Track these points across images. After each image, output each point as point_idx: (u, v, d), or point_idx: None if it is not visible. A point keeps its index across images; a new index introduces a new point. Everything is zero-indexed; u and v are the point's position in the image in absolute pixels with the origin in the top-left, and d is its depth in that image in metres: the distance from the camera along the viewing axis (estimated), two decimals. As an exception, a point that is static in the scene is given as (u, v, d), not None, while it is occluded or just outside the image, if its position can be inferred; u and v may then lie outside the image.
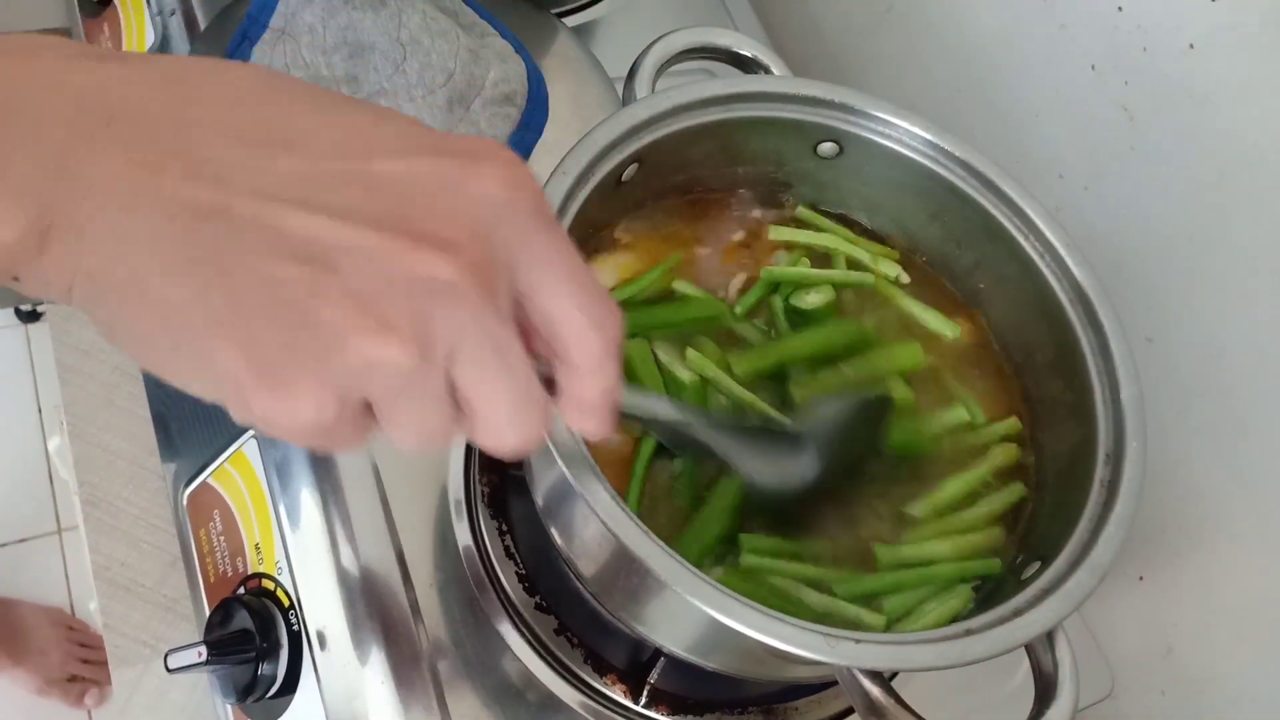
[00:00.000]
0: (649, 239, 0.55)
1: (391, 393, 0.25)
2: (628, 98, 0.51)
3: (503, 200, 0.26)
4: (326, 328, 0.24)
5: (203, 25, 0.67)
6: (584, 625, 0.55)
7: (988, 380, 0.55)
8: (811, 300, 0.53)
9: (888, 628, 0.47)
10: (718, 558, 0.47)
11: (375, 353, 0.24)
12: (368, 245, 0.24)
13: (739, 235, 0.56)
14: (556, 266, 0.28)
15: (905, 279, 0.56)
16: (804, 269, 0.54)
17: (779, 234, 0.56)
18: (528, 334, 0.28)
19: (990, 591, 0.48)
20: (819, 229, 0.56)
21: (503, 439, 0.28)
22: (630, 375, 0.50)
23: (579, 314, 0.28)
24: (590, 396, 0.29)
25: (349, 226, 0.24)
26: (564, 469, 0.39)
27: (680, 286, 0.53)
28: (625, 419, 0.34)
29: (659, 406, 0.41)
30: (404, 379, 0.25)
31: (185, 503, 0.62)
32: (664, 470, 0.49)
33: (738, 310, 0.53)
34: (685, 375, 0.50)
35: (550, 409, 0.29)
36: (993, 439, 0.52)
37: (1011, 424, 0.53)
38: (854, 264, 0.55)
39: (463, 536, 0.56)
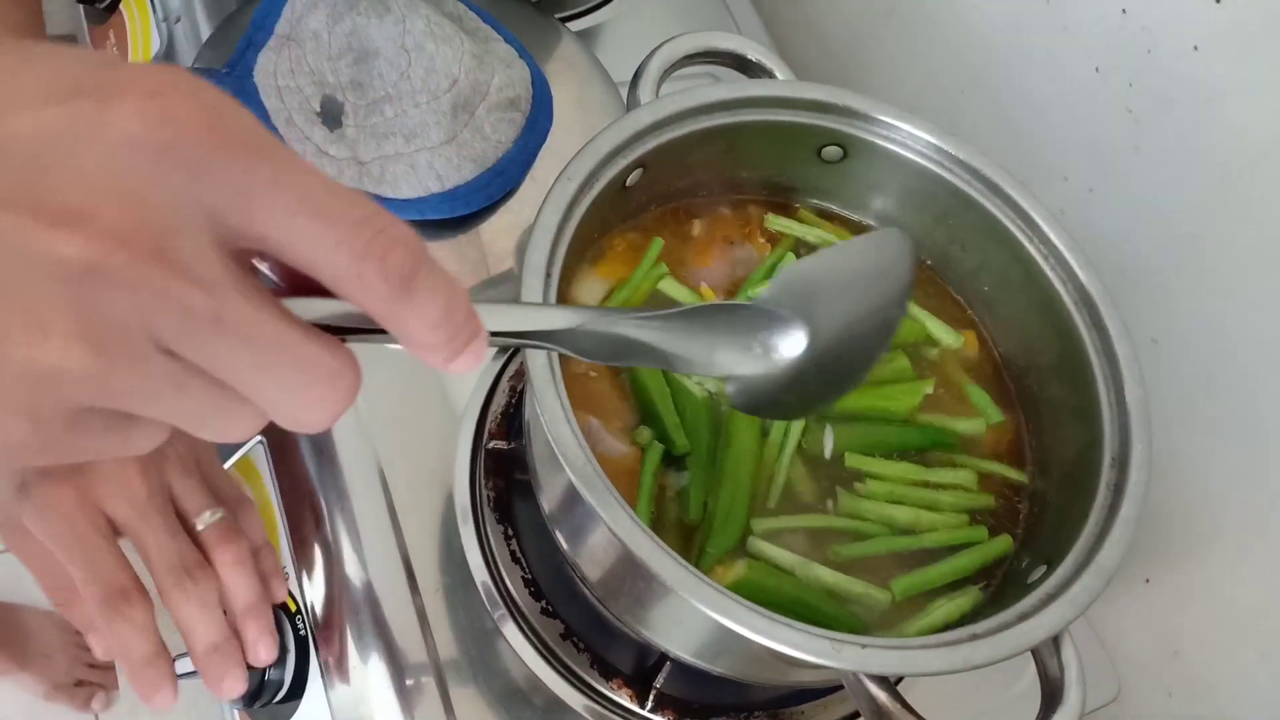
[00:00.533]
0: (642, 246, 0.55)
1: (94, 396, 0.22)
2: (632, 103, 0.52)
3: (155, 141, 0.21)
4: None
5: (207, 32, 0.67)
6: (590, 630, 0.55)
7: (985, 386, 0.55)
8: None
9: (895, 610, 0.47)
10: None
11: (37, 360, 0.20)
12: (2, 234, 0.20)
13: (740, 238, 0.56)
14: (281, 201, 0.22)
15: None
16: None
17: (775, 223, 0.56)
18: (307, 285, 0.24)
19: (997, 592, 0.48)
20: (818, 226, 0.57)
21: (294, 418, 0.24)
22: (637, 385, 0.50)
23: (335, 253, 0.23)
24: (418, 335, 0.25)
25: None
26: (571, 475, 0.39)
27: (665, 286, 0.53)
28: (523, 340, 0.30)
29: (555, 316, 0.31)
30: (90, 381, 0.21)
31: (191, 508, 0.62)
32: (672, 480, 0.49)
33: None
34: (696, 389, 0.50)
35: (342, 374, 0.25)
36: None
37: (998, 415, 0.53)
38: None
39: (469, 541, 0.56)
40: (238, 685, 0.45)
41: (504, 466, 0.58)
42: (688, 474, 0.49)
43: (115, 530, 0.44)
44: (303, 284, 0.25)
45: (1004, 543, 0.50)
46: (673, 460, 0.49)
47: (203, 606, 0.44)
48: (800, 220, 0.57)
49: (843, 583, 0.47)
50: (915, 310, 0.55)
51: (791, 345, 0.36)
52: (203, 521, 0.45)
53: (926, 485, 0.50)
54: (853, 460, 0.50)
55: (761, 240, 0.56)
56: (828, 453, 0.50)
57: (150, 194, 0.21)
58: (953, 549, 0.49)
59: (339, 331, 0.26)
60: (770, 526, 0.48)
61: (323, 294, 0.25)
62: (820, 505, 0.49)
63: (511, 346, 0.28)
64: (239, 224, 0.22)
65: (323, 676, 0.53)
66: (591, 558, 0.48)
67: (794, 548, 0.47)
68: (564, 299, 0.50)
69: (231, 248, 0.23)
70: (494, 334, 0.28)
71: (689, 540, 0.48)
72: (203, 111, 0.22)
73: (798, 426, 0.50)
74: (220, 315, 0.22)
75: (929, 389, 0.53)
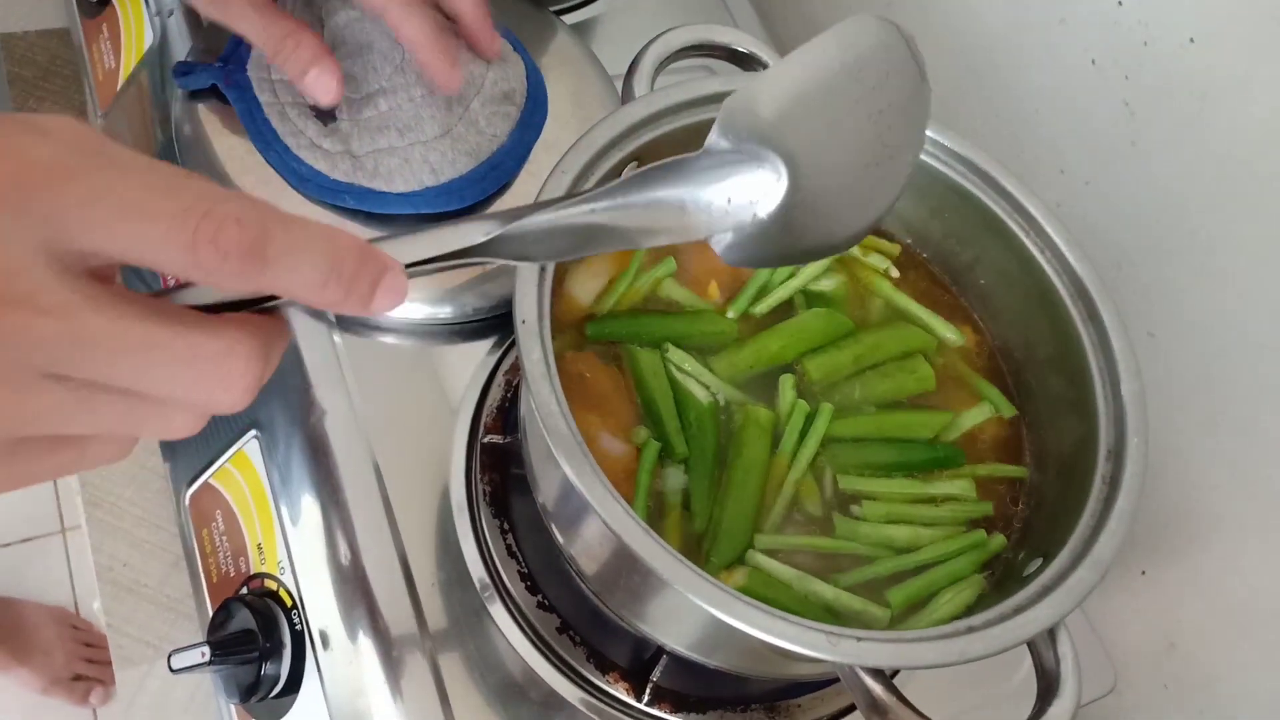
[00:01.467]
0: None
1: (22, 429, 0.23)
2: (627, 95, 0.51)
3: None
4: None
5: (201, 25, 0.67)
6: (587, 624, 0.55)
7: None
8: (825, 285, 0.54)
9: (896, 616, 0.47)
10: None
11: None
12: None
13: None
14: (87, 217, 0.23)
15: (894, 273, 0.56)
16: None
17: None
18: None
19: (998, 583, 0.48)
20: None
21: (206, 406, 0.25)
22: (643, 390, 0.50)
23: (163, 248, 0.23)
24: (306, 297, 0.25)
25: None
26: (565, 468, 0.39)
27: (668, 287, 0.53)
28: (448, 261, 0.28)
29: (477, 230, 0.28)
30: (2, 421, 0.23)
31: (187, 503, 0.62)
32: (672, 482, 0.49)
33: (732, 311, 0.53)
34: (701, 393, 0.50)
35: (239, 354, 0.25)
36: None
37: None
38: (844, 257, 0.56)
39: (465, 536, 0.56)
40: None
41: (500, 461, 0.58)
42: (688, 477, 0.49)
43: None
44: None
45: (998, 542, 0.49)
46: (673, 461, 0.49)
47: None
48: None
49: (842, 599, 0.46)
50: (916, 309, 0.55)
51: (769, 189, 0.31)
52: None
53: (925, 500, 0.50)
54: (847, 483, 0.49)
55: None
56: (827, 491, 0.50)
57: None
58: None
59: (252, 305, 0.26)
60: (771, 544, 0.47)
61: None
62: (826, 520, 0.49)
63: (444, 269, 0.27)
64: (70, 246, 0.23)
65: (319, 671, 0.53)
66: (587, 552, 0.48)
67: (794, 564, 0.47)
68: (559, 293, 0.50)
69: (79, 267, 0.23)
70: (413, 264, 0.28)
71: (689, 542, 0.48)
72: (5, 157, 0.22)
73: (812, 442, 0.49)
74: (78, 335, 0.23)
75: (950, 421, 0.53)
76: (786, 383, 0.51)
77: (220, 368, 0.25)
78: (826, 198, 0.31)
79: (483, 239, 0.28)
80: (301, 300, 0.25)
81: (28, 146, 0.23)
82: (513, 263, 0.29)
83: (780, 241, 0.32)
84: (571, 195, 0.29)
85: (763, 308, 0.53)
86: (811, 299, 0.54)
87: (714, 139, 0.33)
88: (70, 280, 0.23)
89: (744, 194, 0.31)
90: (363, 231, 0.58)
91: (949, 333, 0.55)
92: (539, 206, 0.29)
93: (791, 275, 0.54)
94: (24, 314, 0.22)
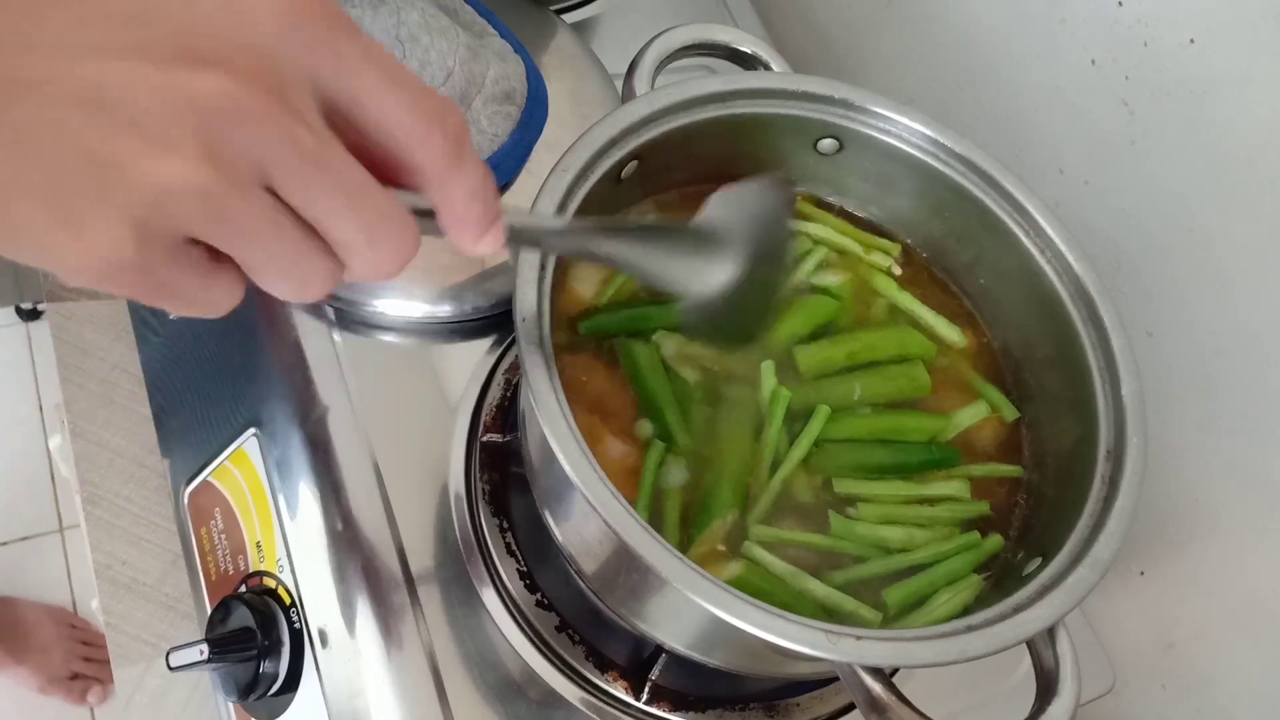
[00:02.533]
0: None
1: (204, 220, 0.25)
2: (627, 95, 0.51)
3: (281, 18, 0.26)
4: (111, 162, 0.24)
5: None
6: (585, 622, 0.55)
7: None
8: (830, 279, 0.54)
9: (892, 617, 0.47)
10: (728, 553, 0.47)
11: (160, 175, 0.24)
12: (143, 75, 0.24)
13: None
14: (371, 71, 0.27)
15: (897, 270, 0.56)
16: None
17: None
18: (374, 162, 0.28)
19: (996, 582, 0.48)
20: (815, 221, 0.56)
21: (371, 262, 0.28)
22: (637, 378, 0.50)
23: (409, 115, 0.28)
24: (459, 203, 0.29)
25: (126, 61, 0.24)
26: (565, 466, 0.39)
27: None
28: (518, 237, 0.33)
29: (549, 220, 0.38)
30: (206, 201, 0.25)
31: (186, 501, 0.62)
32: (674, 482, 0.49)
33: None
34: (691, 376, 0.50)
35: (410, 224, 0.29)
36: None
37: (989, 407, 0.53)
38: (845, 255, 0.56)
39: (464, 534, 0.56)
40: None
41: (499, 459, 0.58)
42: (687, 473, 0.49)
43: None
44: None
45: (994, 543, 0.49)
46: (675, 457, 0.49)
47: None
48: (798, 214, 0.57)
49: (834, 598, 0.46)
50: (919, 309, 0.55)
51: (725, 268, 0.40)
52: None
53: (920, 501, 0.50)
54: (842, 486, 0.49)
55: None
56: (821, 488, 0.50)
57: (275, 53, 0.26)
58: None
59: None
60: (767, 536, 0.47)
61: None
62: (820, 517, 0.49)
63: (513, 244, 0.33)
64: (339, 88, 0.27)
65: (318, 669, 0.53)
66: (587, 550, 0.48)
67: (790, 559, 0.47)
68: (559, 290, 0.50)
69: (328, 110, 0.27)
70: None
71: (689, 541, 0.48)
72: (318, 3, 0.26)
73: (805, 442, 0.50)
74: (324, 157, 0.26)
75: (947, 422, 0.53)
76: (768, 369, 0.51)
77: (400, 234, 0.28)
78: (750, 289, 0.40)
79: (557, 228, 0.36)
80: (449, 202, 0.29)
81: (334, 2, 0.27)
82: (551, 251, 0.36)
83: (722, 318, 0.40)
84: (610, 224, 0.38)
85: None
86: (817, 294, 0.54)
87: (702, 220, 0.41)
88: (320, 115, 0.27)
89: (712, 268, 0.39)
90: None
91: (951, 333, 0.55)
92: (595, 229, 0.36)
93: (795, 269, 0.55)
94: (292, 119, 0.25)
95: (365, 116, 0.27)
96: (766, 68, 0.54)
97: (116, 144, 0.24)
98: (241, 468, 0.59)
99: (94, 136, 0.24)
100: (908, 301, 0.55)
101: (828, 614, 0.46)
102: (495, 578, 0.55)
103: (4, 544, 1.47)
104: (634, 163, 0.50)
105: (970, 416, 0.53)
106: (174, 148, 0.24)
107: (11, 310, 1.59)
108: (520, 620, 0.54)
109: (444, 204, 0.29)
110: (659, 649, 0.54)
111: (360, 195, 0.27)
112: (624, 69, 0.52)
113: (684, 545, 0.47)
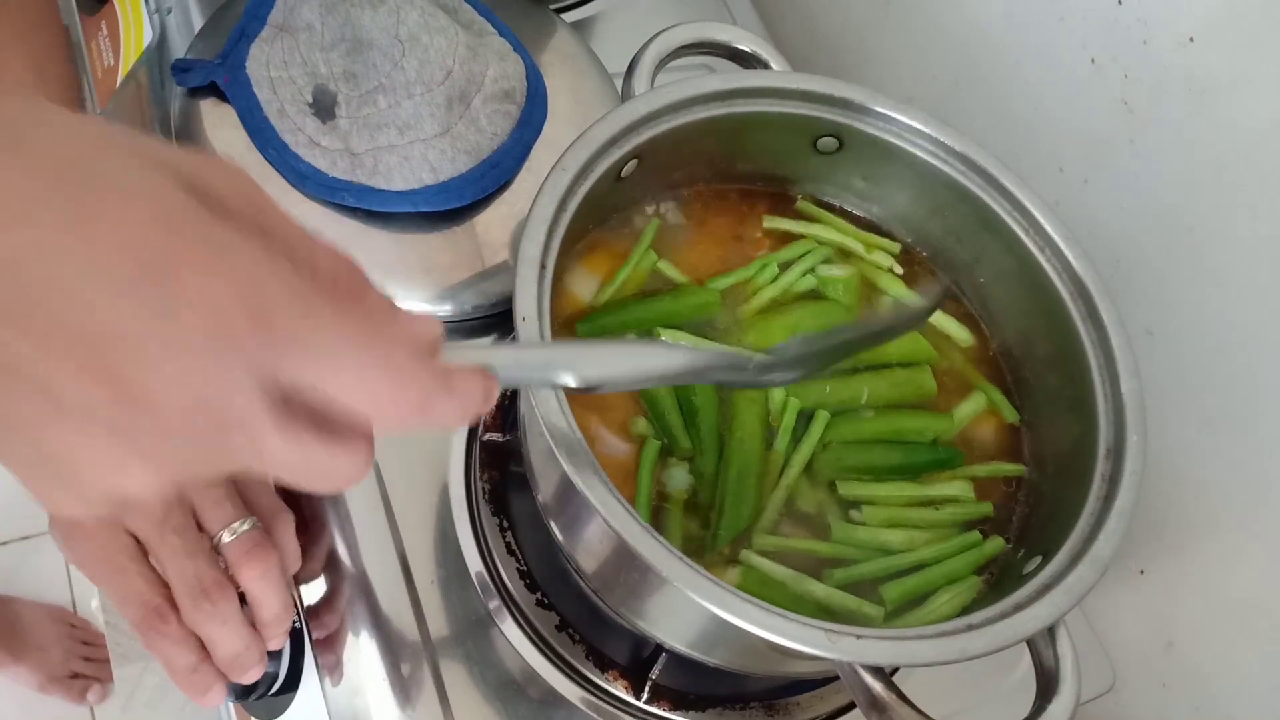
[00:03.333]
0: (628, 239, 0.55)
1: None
2: (626, 94, 0.51)
3: (216, 346, 0.24)
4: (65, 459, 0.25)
5: (200, 23, 0.67)
6: (586, 621, 0.55)
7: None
8: (836, 272, 0.54)
9: (891, 615, 0.47)
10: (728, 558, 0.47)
11: (117, 485, 0.26)
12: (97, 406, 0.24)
13: (735, 230, 0.56)
14: (311, 365, 0.26)
15: (898, 270, 0.56)
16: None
17: (773, 223, 0.56)
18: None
19: (996, 582, 0.48)
20: (816, 221, 0.56)
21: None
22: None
23: (368, 397, 0.27)
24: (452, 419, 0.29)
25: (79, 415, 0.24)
26: (564, 464, 0.39)
27: (664, 267, 0.53)
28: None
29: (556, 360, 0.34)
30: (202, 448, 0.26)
31: (186, 501, 0.62)
32: (675, 481, 0.49)
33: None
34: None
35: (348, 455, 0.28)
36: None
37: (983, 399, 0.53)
38: (846, 254, 0.56)
39: (464, 533, 0.56)
40: (255, 677, 0.47)
41: (499, 459, 0.58)
42: (691, 476, 0.49)
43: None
44: None
45: (995, 545, 0.49)
46: (677, 459, 0.49)
47: (221, 624, 0.45)
48: (799, 214, 0.57)
49: (835, 598, 0.46)
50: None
51: (785, 377, 0.42)
52: (231, 532, 0.45)
53: (924, 503, 0.50)
54: (846, 489, 0.49)
55: (758, 234, 0.56)
56: (824, 494, 0.50)
57: (212, 385, 0.24)
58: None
59: None
60: (766, 544, 0.47)
61: None
62: (822, 523, 0.49)
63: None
64: (283, 381, 0.25)
65: (318, 668, 0.53)
66: (587, 549, 0.48)
67: (792, 564, 0.47)
68: (558, 290, 0.50)
69: (278, 394, 0.26)
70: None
71: (691, 541, 0.48)
72: (230, 278, 0.24)
73: (807, 446, 0.50)
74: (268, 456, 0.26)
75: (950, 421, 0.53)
76: None
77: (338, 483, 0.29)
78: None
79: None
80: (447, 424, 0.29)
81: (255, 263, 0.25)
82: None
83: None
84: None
85: (771, 294, 0.53)
86: (825, 284, 0.54)
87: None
88: (272, 408, 0.26)
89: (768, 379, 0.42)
90: (362, 230, 0.58)
91: (959, 331, 0.55)
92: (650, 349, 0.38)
93: (800, 259, 0.55)
94: (236, 438, 0.25)
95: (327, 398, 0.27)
96: (766, 67, 0.54)
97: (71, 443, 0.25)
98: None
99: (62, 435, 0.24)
100: (913, 300, 0.55)
101: (828, 614, 0.46)
102: (495, 577, 0.55)
103: (3, 544, 1.47)
104: (634, 161, 0.50)
105: (970, 409, 0.53)
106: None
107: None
108: (520, 619, 0.54)
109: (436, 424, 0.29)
110: (659, 648, 0.54)
111: (314, 469, 0.27)
112: (624, 68, 0.52)
113: (699, 553, 0.47)
